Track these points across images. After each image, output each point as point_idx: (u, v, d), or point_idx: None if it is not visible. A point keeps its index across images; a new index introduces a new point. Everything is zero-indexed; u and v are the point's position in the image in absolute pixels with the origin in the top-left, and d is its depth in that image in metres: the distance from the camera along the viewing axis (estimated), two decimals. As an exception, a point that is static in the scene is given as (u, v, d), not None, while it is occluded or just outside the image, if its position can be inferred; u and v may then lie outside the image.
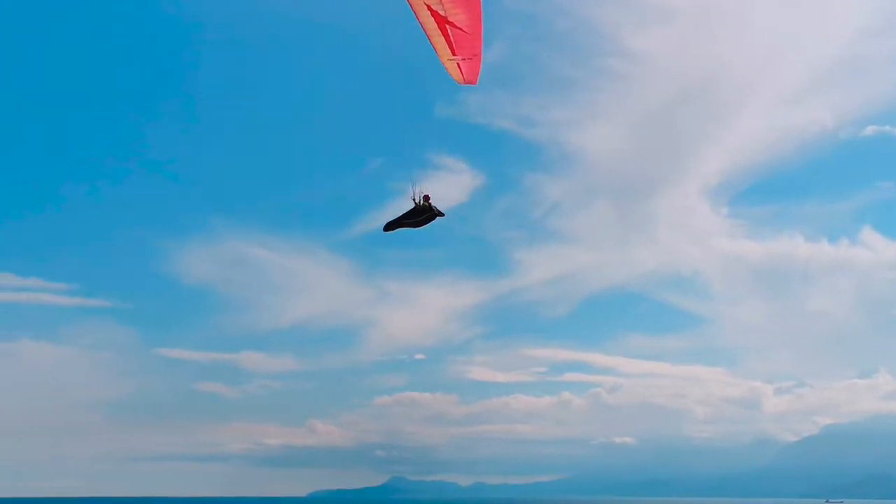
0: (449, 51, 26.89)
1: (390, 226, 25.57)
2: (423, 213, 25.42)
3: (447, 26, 26.45)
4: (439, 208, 25.69)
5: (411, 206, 25.66)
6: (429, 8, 26.03)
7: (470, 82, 27.56)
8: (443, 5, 25.98)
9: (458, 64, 27.11)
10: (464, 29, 26.53)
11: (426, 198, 25.64)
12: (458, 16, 26.26)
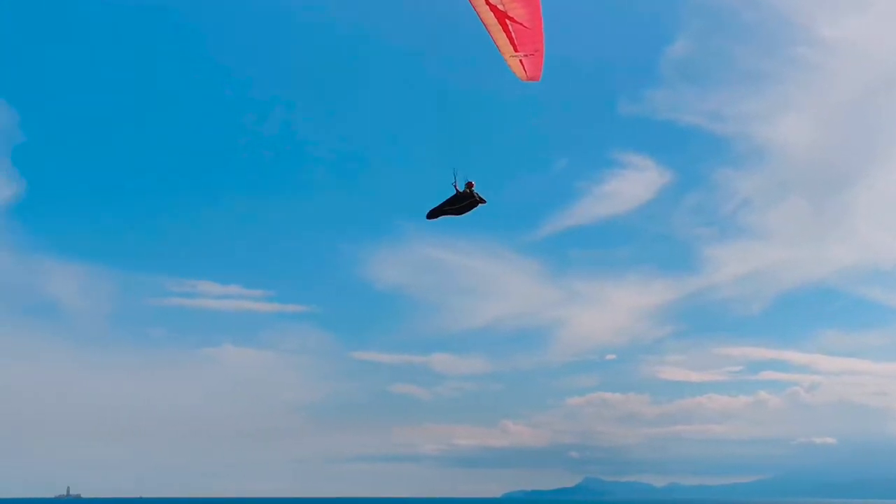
0: (511, 47, 25.86)
1: (433, 213, 24.88)
2: (464, 200, 24.50)
3: (507, 21, 25.42)
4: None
5: (457, 193, 24.72)
6: (487, 3, 25.03)
7: (533, 78, 26.44)
8: (501, 0, 24.93)
9: (520, 60, 26.04)
10: (524, 24, 25.45)
11: (469, 185, 24.74)
12: (516, 10, 25.19)
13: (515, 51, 25.86)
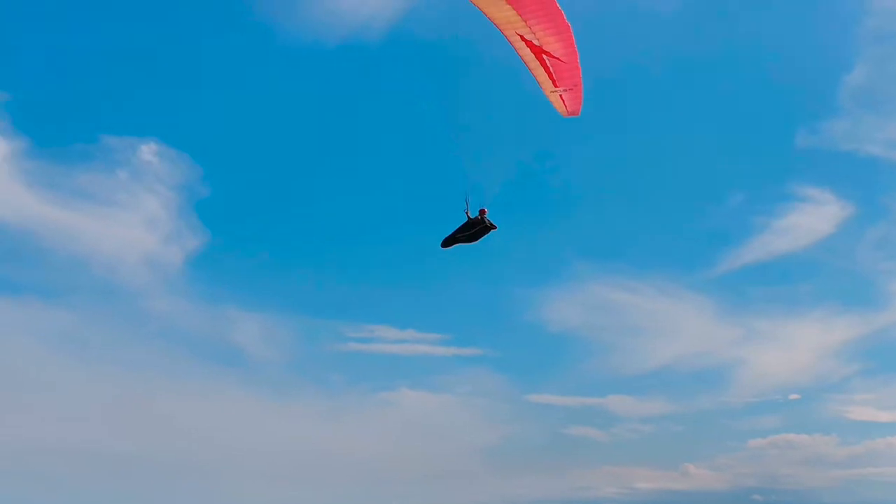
0: (551, 83, 25.20)
1: (447, 242, 24.53)
2: (476, 226, 24.05)
3: (544, 56, 24.80)
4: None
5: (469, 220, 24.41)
6: (522, 38, 24.53)
7: (573, 114, 25.67)
8: (534, 34, 24.39)
9: (560, 96, 25.32)
10: (561, 59, 24.75)
11: (482, 211, 24.30)
12: (552, 45, 24.53)
13: (555, 86, 25.18)
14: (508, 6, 23.91)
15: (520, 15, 24.07)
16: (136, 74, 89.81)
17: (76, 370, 75.87)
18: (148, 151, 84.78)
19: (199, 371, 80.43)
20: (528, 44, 24.60)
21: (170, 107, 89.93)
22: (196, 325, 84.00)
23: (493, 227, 24.25)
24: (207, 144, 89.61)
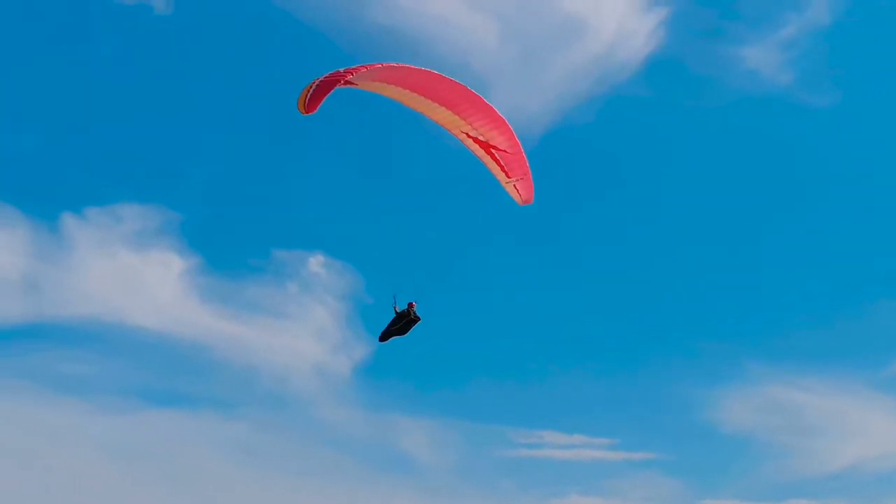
0: (504, 174, 26.31)
1: (383, 337, 25.60)
2: (403, 319, 25.06)
3: (492, 150, 25.94)
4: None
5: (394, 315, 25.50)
6: (468, 136, 25.89)
7: (527, 201, 26.53)
8: (477, 130, 25.66)
9: (514, 185, 26.35)
10: (507, 150, 25.84)
11: (410, 305, 25.30)
12: (496, 139, 25.69)
13: (508, 177, 26.21)
14: (444, 108, 25.33)
15: (457, 115, 25.41)
16: (303, 191, 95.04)
17: (251, 479, 78.68)
18: (316, 263, 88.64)
19: (368, 478, 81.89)
20: (475, 140, 25.81)
21: (335, 220, 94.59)
22: (364, 432, 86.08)
23: (417, 318, 25.23)
24: (369, 254, 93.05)
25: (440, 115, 25.49)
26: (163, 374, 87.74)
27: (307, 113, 22.83)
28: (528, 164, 25.97)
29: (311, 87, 23.06)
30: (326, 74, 23.35)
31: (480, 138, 25.74)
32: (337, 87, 23.35)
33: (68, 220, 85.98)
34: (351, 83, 23.70)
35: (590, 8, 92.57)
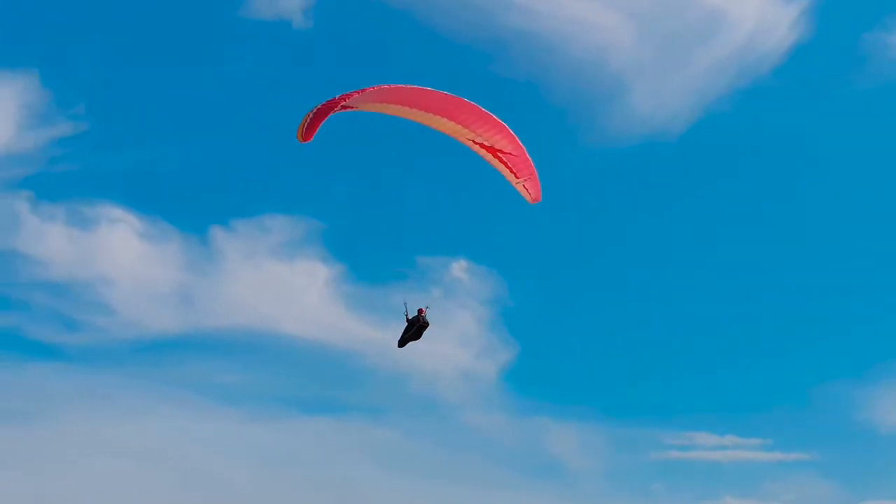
0: (513, 175, 27.38)
1: (400, 343, 27.02)
2: (415, 325, 26.42)
3: (499, 154, 27.07)
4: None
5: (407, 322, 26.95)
6: (474, 142, 27.04)
7: (536, 200, 27.49)
8: (482, 136, 26.80)
9: (524, 185, 27.38)
10: (512, 153, 26.90)
11: (421, 311, 26.57)
12: (500, 143, 26.74)
13: (517, 178, 27.26)
14: (448, 120, 26.51)
15: (462, 125, 26.57)
16: (445, 197, 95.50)
17: (400, 485, 79.22)
18: (459, 269, 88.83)
19: (516, 483, 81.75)
20: (482, 146, 26.91)
21: (477, 225, 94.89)
22: (511, 437, 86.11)
23: (426, 324, 26.47)
24: (510, 259, 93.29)
25: (446, 126, 26.69)
26: (313, 381, 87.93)
27: (304, 141, 24.42)
28: (533, 165, 26.93)
29: (308, 115, 24.65)
30: (323, 102, 24.90)
31: (486, 143, 26.83)
32: (335, 112, 24.87)
33: (217, 233, 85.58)
34: (349, 107, 25.14)
35: (728, 1, 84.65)
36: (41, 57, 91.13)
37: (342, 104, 24.77)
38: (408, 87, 25.69)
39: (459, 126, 26.55)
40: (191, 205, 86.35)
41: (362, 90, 24.95)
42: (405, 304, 26.21)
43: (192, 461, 75.62)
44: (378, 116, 27.22)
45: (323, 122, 24.42)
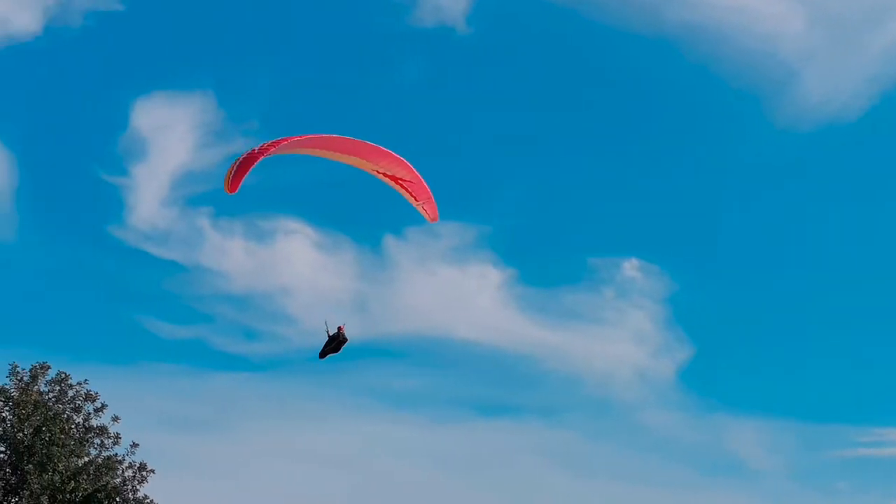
0: (413, 199, 32.09)
1: (322, 355, 30.73)
2: (334, 341, 30.35)
3: (399, 182, 31.71)
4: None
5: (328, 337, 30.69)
6: (378, 173, 31.68)
7: (434, 220, 32.28)
8: (384, 168, 31.44)
9: (422, 207, 32.10)
10: (412, 181, 31.58)
11: (340, 328, 30.40)
12: (399, 171, 31.36)
13: (417, 200, 32.01)
14: (355, 157, 31.10)
15: (365, 159, 31.14)
16: (613, 197, 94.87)
17: (579, 486, 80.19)
18: (630, 268, 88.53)
19: (696, 482, 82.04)
20: (385, 175, 31.47)
21: (647, 224, 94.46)
22: (690, 436, 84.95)
23: (346, 340, 30.75)
24: (682, 256, 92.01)
25: (354, 161, 31.30)
26: (489, 384, 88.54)
27: (230, 192, 28.81)
28: (429, 191, 31.66)
29: (232, 167, 29.01)
30: (244, 153, 29.24)
31: (388, 174, 31.48)
32: (257, 163, 29.27)
33: (390, 241, 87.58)
34: (267, 155, 29.56)
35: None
36: (215, 78, 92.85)
37: (263, 156, 29.12)
38: (319, 136, 30.22)
39: (365, 161, 31.16)
40: (363, 214, 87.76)
41: (279, 141, 29.34)
42: (326, 322, 30.43)
43: (374, 465, 77.97)
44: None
45: (247, 173, 28.76)
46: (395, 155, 31.06)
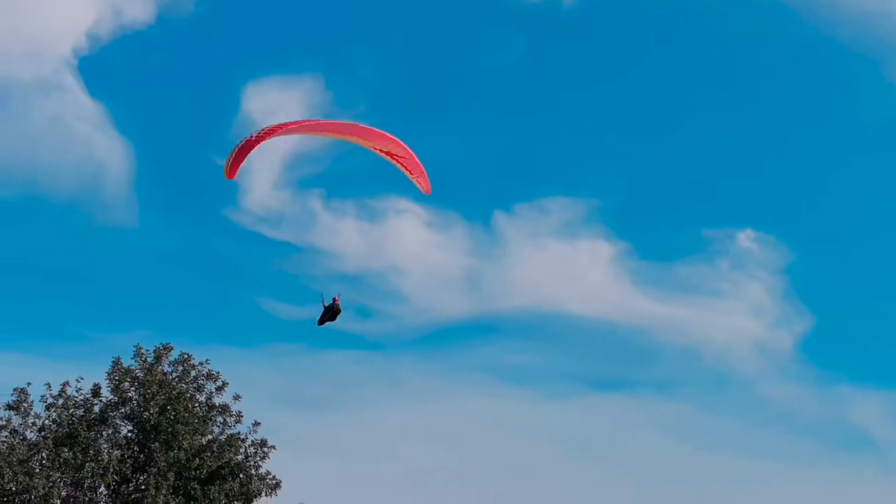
0: (408, 172, 34.03)
1: (320, 322, 33.00)
2: (330, 311, 32.63)
3: (395, 157, 33.64)
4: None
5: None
6: (375, 149, 33.65)
7: (427, 191, 34.20)
8: (379, 145, 33.39)
9: (416, 180, 34.02)
10: (404, 156, 33.46)
11: (335, 299, 32.54)
12: (394, 148, 33.22)
13: (411, 174, 33.94)
14: (350, 136, 33.08)
15: (364, 139, 33.09)
16: (727, 167, 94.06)
17: (697, 460, 79.15)
18: (745, 239, 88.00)
19: (818, 455, 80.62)
20: (381, 151, 33.42)
21: (762, 194, 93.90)
22: (811, 408, 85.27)
23: (339, 311, 32.99)
24: (796, 226, 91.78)
25: (353, 140, 33.35)
26: (602, 359, 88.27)
27: (229, 178, 31.06)
28: (422, 165, 33.51)
29: (231, 153, 31.18)
30: (243, 139, 31.34)
31: (384, 150, 33.43)
32: (255, 147, 31.41)
33: (500, 218, 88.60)
34: (264, 141, 31.63)
35: None
36: (323, 60, 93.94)
37: (261, 141, 31.16)
38: (315, 121, 32.36)
39: (364, 140, 33.12)
40: (473, 192, 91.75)
41: (276, 127, 31.32)
42: (321, 293, 32.81)
43: (488, 441, 78.25)
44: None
45: (245, 158, 30.92)
46: (389, 135, 32.91)
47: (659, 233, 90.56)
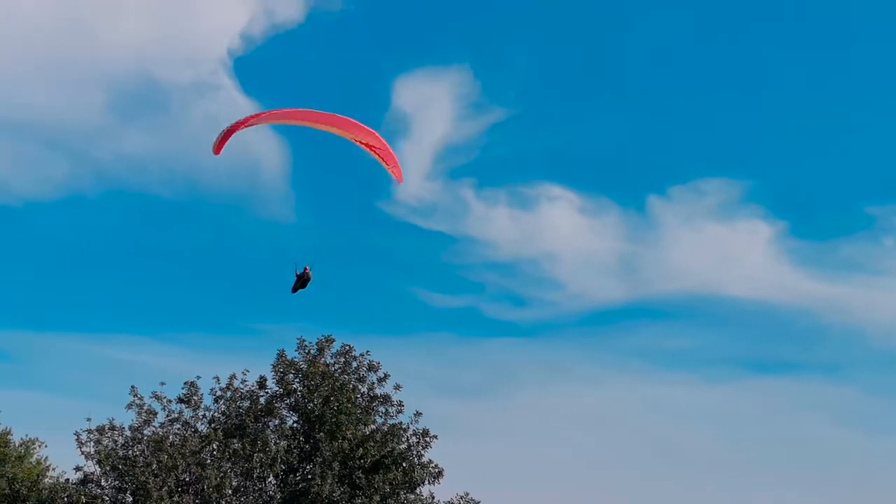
0: (384, 163, 36.66)
1: (293, 290, 35.42)
2: (300, 279, 35.05)
3: (372, 149, 36.29)
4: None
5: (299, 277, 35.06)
6: (354, 140, 36.33)
7: (400, 181, 36.83)
8: (358, 137, 36.03)
9: (391, 170, 36.64)
10: (381, 148, 36.11)
11: (306, 269, 33.99)
12: (371, 140, 35.82)
13: (387, 165, 36.54)
14: (334, 127, 35.77)
15: (342, 129, 35.76)
16: (888, 140, 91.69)
17: (864, 444, 78.34)
18: None
19: None
20: (359, 142, 36.10)
21: None
22: None
23: (310, 278, 35.47)
24: None
25: (332, 130, 36.01)
26: (763, 341, 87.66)
27: (216, 154, 33.81)
28: (396, 157, 36.15)
29: (220, 134, 33.94)
30: (233, 122, 34.11)
31: (362, 142, 36.05)
32: (240, 130, 34.17)
33: (654, 202, 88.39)
34: (247, 125, 34.39)
35: None
36: (470, 50, 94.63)
37: (245, 125, 33.95)
38: (297, 109, 34.95)
39: (342, 131, 35.77)
40: (625, 176, 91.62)
41: (262, 113, 34.07)
42: (295, 263, 35.21)
43: (648, 427, 78.10)
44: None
45: (228, 139, 33.67)
46: (366, 127, 35.59)
47: (819, 211, 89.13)
